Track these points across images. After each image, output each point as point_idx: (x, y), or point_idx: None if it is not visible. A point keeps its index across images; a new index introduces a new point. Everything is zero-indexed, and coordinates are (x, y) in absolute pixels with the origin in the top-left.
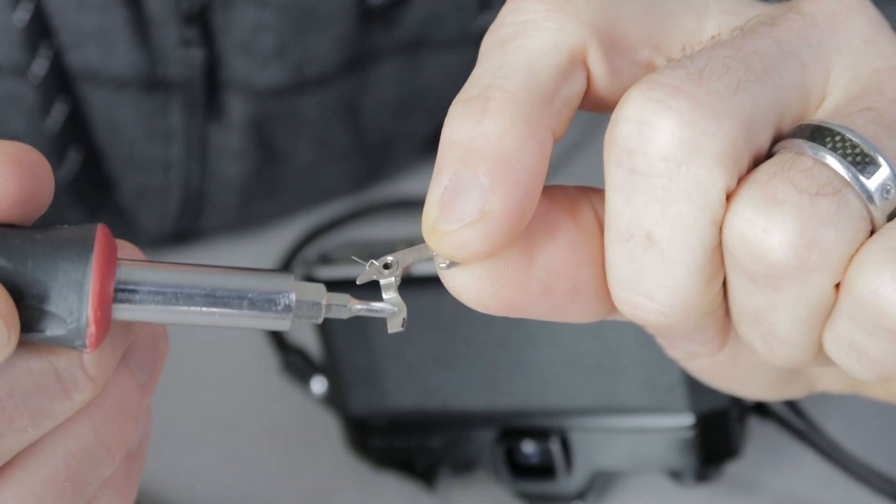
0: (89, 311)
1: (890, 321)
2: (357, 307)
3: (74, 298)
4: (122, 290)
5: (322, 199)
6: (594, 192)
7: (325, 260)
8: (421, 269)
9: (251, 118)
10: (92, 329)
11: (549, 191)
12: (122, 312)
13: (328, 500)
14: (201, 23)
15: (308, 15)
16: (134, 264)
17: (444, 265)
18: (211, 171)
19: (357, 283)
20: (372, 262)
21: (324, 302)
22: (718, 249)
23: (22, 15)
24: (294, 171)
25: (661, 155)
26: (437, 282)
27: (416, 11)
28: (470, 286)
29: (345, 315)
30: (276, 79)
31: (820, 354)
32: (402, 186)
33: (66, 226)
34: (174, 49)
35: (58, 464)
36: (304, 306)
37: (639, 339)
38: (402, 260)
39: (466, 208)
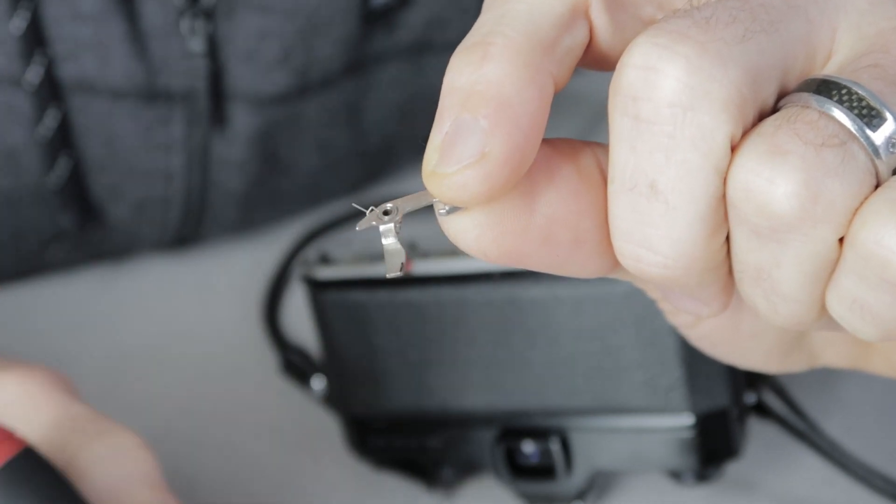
0: None
1: (894, 273)
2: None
3: None
4: None
5: (323, 203)
6: (598, 145)
7: (325, 260)
8: (421, 270)
9: (254, 128)
10: None
11: (551, 140)
12: None
13: (328, 500)
14: (204, 32)
15: (311, 20)
16: None
17: (443, 211)
18: (213, 182)
19: (357, 229)
20: (372, 209)
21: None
22: (722, 202)
23: (18, 24)
24: (296, 180)
25: (666, 101)
26: (436, 282)
27: (419, 14)
28: (470, 232)
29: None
30: (280, 85)
31: (823, 315)
32: (403, 187)
33: None
34: (177, 59)
35: None
36: None
37: (639, 339)
38: (402, 206)
39: (466, 150)
